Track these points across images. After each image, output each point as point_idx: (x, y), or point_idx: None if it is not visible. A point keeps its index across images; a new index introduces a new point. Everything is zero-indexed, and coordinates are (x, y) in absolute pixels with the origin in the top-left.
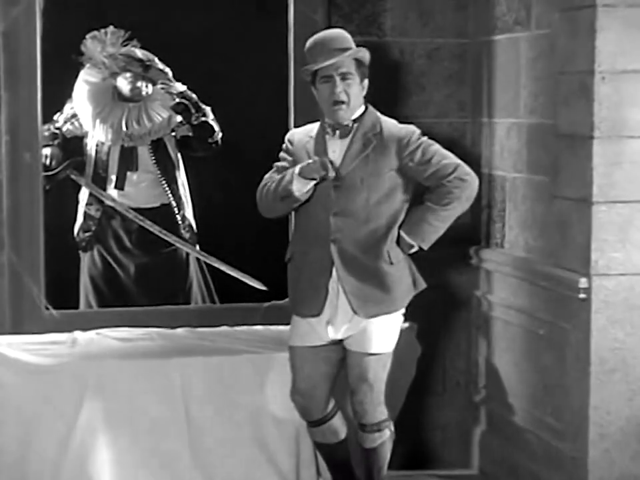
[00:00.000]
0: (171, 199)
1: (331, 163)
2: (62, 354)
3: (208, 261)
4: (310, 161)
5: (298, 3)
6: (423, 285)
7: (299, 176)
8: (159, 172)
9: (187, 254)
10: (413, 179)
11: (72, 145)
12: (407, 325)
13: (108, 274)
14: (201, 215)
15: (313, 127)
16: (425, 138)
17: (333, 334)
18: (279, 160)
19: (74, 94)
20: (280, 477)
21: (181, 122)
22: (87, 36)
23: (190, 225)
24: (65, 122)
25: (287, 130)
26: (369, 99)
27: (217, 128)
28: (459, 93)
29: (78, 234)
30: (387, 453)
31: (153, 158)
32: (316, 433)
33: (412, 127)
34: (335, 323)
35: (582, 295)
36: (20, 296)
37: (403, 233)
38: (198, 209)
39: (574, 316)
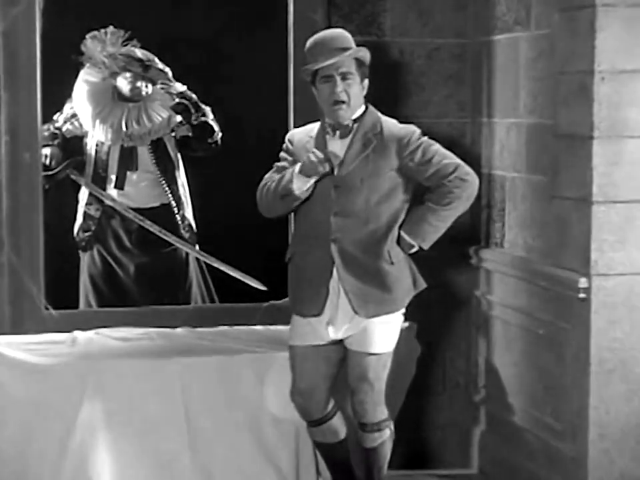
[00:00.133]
0: (171, 198)
1: (334, 155)
2: (61, 354)
3: (207, 261)
4: (310, 155)
5: (298, 3)
6: (423, 284)
7: (299, 174)
8: (158, 172)
9: (187, 254)
10: (414, 179)
11: (72, 145)
12: (406, 324)
13: (108, 274)
14: (201, 215)
15: (313, 127)
16: (425, 138)
17: (333, 334)
18: (279, 160)
19: (74, 94)
20: (280, 477)
21: (180, 122)
22: (87, 36)
23: (190, 225)
24: (65, 122)
25: (287, 130)
26: (369, 99)
27: (216, 128)
28: (458, 93)
29: (77, 234)
30: (386, 453)
31: (153, 158)
32: (316, 433)
33: (412, 127)
34: (335, 323)
35: (581, 295)
36: (19, 296)
37: (403, 233)
38: (198, 209)
39: (573, 316)
